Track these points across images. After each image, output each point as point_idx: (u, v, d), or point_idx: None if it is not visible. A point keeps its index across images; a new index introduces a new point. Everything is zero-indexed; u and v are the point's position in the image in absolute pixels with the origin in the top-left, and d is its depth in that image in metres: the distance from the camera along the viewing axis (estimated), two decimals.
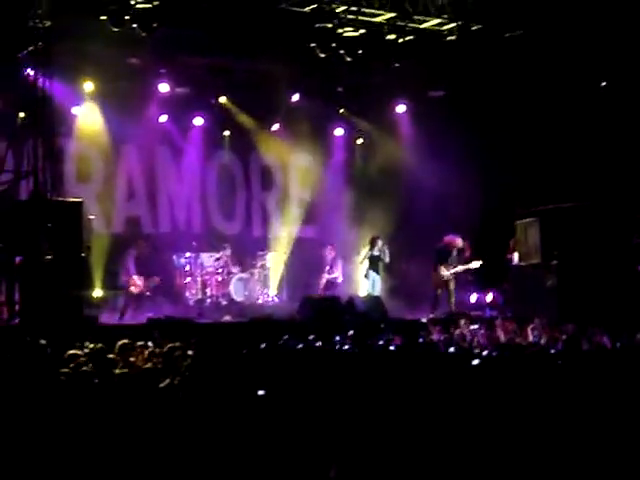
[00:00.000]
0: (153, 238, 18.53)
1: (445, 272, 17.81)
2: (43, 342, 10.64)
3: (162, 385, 8.06)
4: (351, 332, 13.63)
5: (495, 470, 5.72)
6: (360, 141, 21.27)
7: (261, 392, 7.44)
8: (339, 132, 20.77)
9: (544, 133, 17.89)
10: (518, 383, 8.27)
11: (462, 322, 13.82)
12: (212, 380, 8.17)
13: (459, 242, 17.88)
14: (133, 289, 16.87)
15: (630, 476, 5.67)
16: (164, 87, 17.76)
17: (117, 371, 8.75)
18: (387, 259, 18.43)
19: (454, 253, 17.98)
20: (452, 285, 17.95)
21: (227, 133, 19.81)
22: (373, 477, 5.55)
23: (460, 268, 17.93)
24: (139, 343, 10.79)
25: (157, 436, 6.59)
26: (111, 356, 9.56)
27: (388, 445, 5.89)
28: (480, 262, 18.13)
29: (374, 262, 18.40)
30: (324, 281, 18.94)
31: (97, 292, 17.15)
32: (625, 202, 17.28)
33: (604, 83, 17.13)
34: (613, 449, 6.11)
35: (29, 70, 15.34)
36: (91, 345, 10.40)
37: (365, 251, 18.63)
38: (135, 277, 16.91)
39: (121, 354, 9.85)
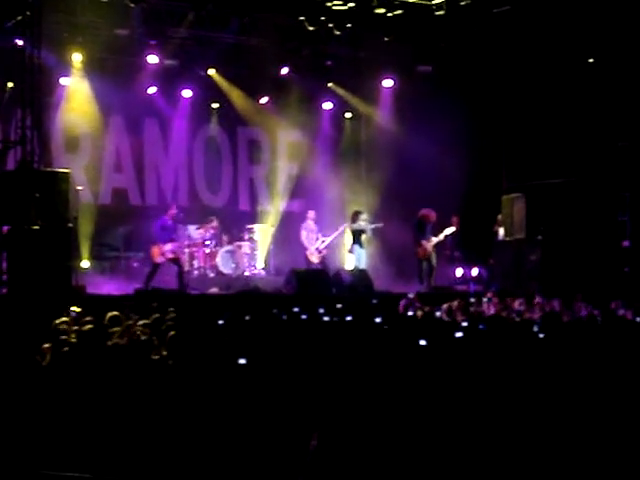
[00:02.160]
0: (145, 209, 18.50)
1: (428, 245, 17.96)
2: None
3: (155, 357, 8.12)
4: (339, 305, 13.76)
5: (475, 436, 5.83)
6: (349, 115, 21.28)
7: (242, 361, 7.51)
8: (328, 106, 20.76)
9: (531, 109, 17.95)
10: (502, 355, 8.40)
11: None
12: (196, 351, 8.25)
13: (433, 215, 18.02)
14: (159, 259, 16.72)
15: (612, 444, 5.80)
16: (153, 59, 17.72)
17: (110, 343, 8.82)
18: (369, 232, 18.44)
19: (429, 226, 18.13)
20: (434, 259, 18.08)
21: (215, 106, 19.80)
22: (355, 447, 5.64)
23: (439, 238, 18.09)
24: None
25: (145, 406, 6.68)
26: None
27: (370, 415, 5.98)
28: (453, 228, 18.29)
29: (358, 236, 18.43)
30: (320, 251, 18.88)
31: (84, 263, 17.17)
32: (611, 179, 17.40)
33: (591, 60, 17.16)
34: (597, 421, 6.23)
35: (17, 40, 15.29)
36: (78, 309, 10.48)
37: (349, 225, 18.65)
38: (162, 245, 16.72)
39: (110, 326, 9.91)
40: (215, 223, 18.65)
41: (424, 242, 18.03)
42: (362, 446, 5.30)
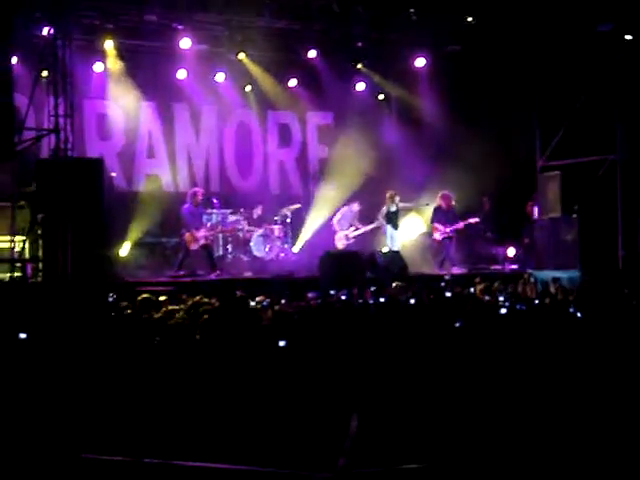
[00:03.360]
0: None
1: (437, 233, 17.97)
2: None
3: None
4: (373, 288, 13.71)
5: (511, 422, 5.78)
6: (381, 97, 21.13)
7: (282, 343, 7.51)
8: (360, 87, 20.62)
9: (566, 85, 17.72)
10: (542, 335, 8.31)
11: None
12: (232, 333, 8.25)
13: (447, 201, 18.02)
14: (193, 246, 16.80)
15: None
16: (186, 43, 17.65)
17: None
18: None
19: (443, 212, 18.10)
20: (447, 245, 18.08)
21: (248, 89, 19.74)
22: (394, 429, 5.61)
23: (455, 226, 18.05)
24: (161, 298, 10.91)
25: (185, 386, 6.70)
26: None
27: (409, 396, 5.95)
28: (477, 219, 18.26)
29: (392, 218, 18.42)
30: (348, 238, 18.93)
31: (123, 250, 17.26)
32: None
33: (629, 36, 16.92)
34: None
35: (47, 28, 15.36)
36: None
37: (384, 207, 18.63)
38: (194, 231, 16.77)
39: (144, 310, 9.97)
40: (248, 208, 18.69)
41: (437, 226, 18.06)
42: (401, 428, 5.28)
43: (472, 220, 18.30)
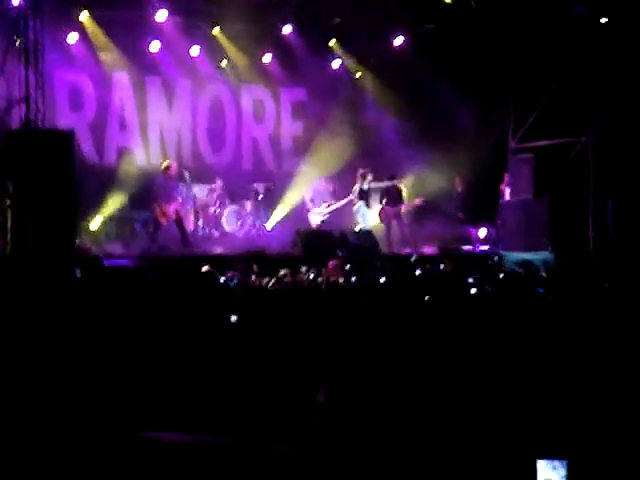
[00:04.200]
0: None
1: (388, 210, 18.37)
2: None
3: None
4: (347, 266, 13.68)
5: (482, 393, 5.78)
6: (358, 74, 21.04)
7: (234, 318, 7.47)
8: (336, 64, 20.52)
9: (539, 66, 17.74)
10: (510, 314, 8.34)
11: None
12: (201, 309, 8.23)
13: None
14: (164, 220, 16.67)
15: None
16: (162, 15, 17.45)
17: None
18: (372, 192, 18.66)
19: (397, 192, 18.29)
20: (396, 222, 18.31)
21: (223, 64, 19.58)
22: (363, 402, 5.61)
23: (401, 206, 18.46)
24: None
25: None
26: None
27: (378, 369, 5.95)
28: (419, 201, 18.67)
29: (364, 196, 18.42)
30: (322, 214, 18.93)
31: (93, 224, 17.13)
32: (620, 139, 17.25)
33: (604, 19, 16.94)
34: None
35: None
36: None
37: (356, 185, 18.62)
38: (165, 205, 16.65)
39: None
40: (220, 183, 18.62)
41: (386, 207, 18.23)
42: (371, 401, 5.28)
43: (417, 202, 18.41)
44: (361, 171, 18.43)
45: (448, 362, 6.58)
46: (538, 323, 7.98)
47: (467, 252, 18.09)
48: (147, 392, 6.33)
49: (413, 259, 15.29)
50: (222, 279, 11.29)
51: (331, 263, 12.86)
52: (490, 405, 5.85)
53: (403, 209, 18.67)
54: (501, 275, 12.34)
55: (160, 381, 6.47)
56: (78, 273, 11.70)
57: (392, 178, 18.59)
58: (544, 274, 12.45)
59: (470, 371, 6.40)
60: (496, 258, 16.53)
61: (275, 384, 5.79)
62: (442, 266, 13.42)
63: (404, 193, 18.88)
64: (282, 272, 12.14)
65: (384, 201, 18.52)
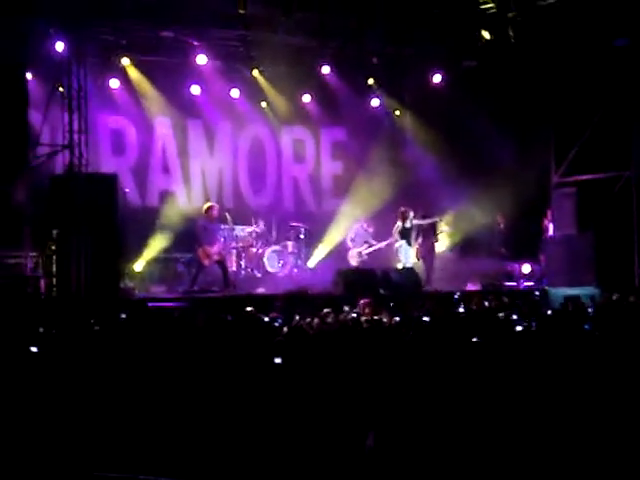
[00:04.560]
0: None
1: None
2: None
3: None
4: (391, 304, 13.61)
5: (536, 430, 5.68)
6: (397, 113, 21.07)
7: (278, 360, 7.41)
8: (375, 103, 20.57)
9: (582, 100, 17.63)
10: (556, 352, 8.21)
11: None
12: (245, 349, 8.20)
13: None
14: (207, 262, 16.75)
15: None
16: (202, 59, 17.65)
17: None
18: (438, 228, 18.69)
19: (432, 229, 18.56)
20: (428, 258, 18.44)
21: (262, 105, 19.72)
22: (412, 445, 5.53)
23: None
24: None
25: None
26: None
27: (426, 413, 5.87)
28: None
29: (406, 234, 18.34)
30: (361, 255, 18.93)
31: (137, 266, 17.24)
32: None
33: None
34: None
35: (61, 44, 15.42)
36: None
37: (398, 224, 18.55)
38: (208, 247, 16.68)
39: None
40: (262, 224, 18.68)
41: (422, 245, 18.41)
42: (419, 444, 5.20)
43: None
44: (402, 209, 18.35)
45: (496, 402, 6.49)
46: (585, 360, 7.86)
47: (511, 288, 17.92)
48: (194, 435, 6.31)
49: (456, 297, 15.16)
50: (265, 319, 11.28)
51: (362, 302, 12.79)
52: (539, 442, 5.75)
53: (435, 245, 18.65)
54: (548, 312, 12.16)
55: (206, 424, 6.45)
56: (123, 316, 11.75)
57: (424, 217, 18.51)
58: (591, 309, 12.28)
59: (518, 411, 6.30)
60: (538, 293, 16.36)
61: (326, 426, 5.72)
62: (487, 303, 13.28)
63: (439, 230, 18.82)
64: (325, 311, 12.11)
65: (420, 239, 18.48)
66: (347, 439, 5.28)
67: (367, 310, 12.42)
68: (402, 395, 6.41)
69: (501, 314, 11.70)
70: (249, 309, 12.05)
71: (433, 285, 17.60)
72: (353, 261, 18.91)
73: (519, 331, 9.79)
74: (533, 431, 6.03)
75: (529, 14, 17.15)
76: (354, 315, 12.16)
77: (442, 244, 19.39)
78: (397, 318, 11.48)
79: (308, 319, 11.27)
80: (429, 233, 18.66)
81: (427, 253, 18.55)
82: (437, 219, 18.74)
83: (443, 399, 6.43)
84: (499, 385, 6.93)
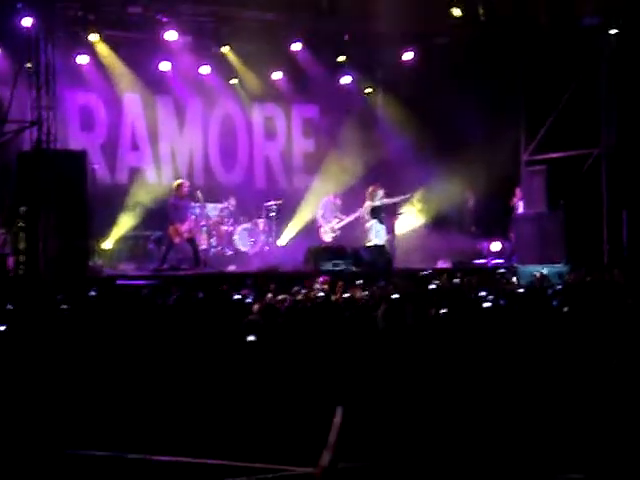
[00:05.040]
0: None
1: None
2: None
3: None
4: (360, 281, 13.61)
5: (497, 409, 5.73)
6: (369, 90, 21.01)
7: (251, 338, 7.41)
8: (346, 80, 20.50)
9: (550, 78, 17.69)
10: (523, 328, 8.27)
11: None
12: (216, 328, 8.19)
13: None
14: (177, 239, 16.65)
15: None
16: (172, 35, 17.47)
17: None
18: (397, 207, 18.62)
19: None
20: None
21: (233, 82, 19.59)
22: (381, 421, 5.55)
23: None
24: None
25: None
26: None
27: (395, 388, 5.89)
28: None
29: (376, 212, 18.35)
30: (334, 230, 18.91)
31: (106, 244, 17.13)
32: (633, 150, 17.18)
33: (614, 31, 16.89)
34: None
35: (29, 19, 15.22)
36: None
37: (367, 203, 18.55)
38: (178, 225, 16.60)
39: None
40: (233, 201, 18.61)
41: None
42: (389, 420, 5.22)
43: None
44: (370, 188, 18.34)
45: (463, 376, 6.53)
46: (552, 336, 7.93)
47: (480, 266, 18.01)
48: (163, 411, 6.30)
49: (423, 274, 15.20)
50: (236, 296, 11.27)
51: (321, 279, 12.78)
52: (502, 418, 5.79)
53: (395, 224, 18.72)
54: (519, 290, 12.25)
55: (176, 400, 6.43)
56: (93, 293, 11.68)
57: (388, 196, 18.49)
58: (559, 287, 12.38)
59: (483, 385, 6.35)
60: (506, 270, 16.46)
61: (293, 402, 5.73)
62: (457, 280, 13.35)
63: (400, 210, 18.86)
64: (295, 289, 12.13)
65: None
66: (316, 414, 5.29)
67: (325, 287, 12.44)
68: (372, 371, 6.43)
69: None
70: (223, 287, 12.04)
71: (400, 263, 17.63)
72: (326, 237, 18.88)
73: (487, 307, 9.86)
74: (497, 405, 6.07)
75: None
76: (322, 293, 12.20)
77: (408, 222, 19.43)
78: (366, 292, 11.53)
79: (279, 296, 11.28)
80: (391, 212, 18.64)
81: (389, 232, 18.55)
82: (400, 198, 18.71)
83: (412, 375, 6.46)
84: (466, 360, 6.97)
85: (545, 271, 15.12)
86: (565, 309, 9.71)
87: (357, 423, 4.85)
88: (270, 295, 11.53)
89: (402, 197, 18.74)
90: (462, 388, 6.14)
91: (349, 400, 5.11)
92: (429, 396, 5.90)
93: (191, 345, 7.63)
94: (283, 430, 5.53)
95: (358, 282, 13.15)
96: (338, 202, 19.22)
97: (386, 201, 18.29)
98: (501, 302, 10.61)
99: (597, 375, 6.68)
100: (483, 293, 11.40)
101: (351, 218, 18.84)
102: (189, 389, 6.63)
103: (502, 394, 6.10)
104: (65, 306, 10.03)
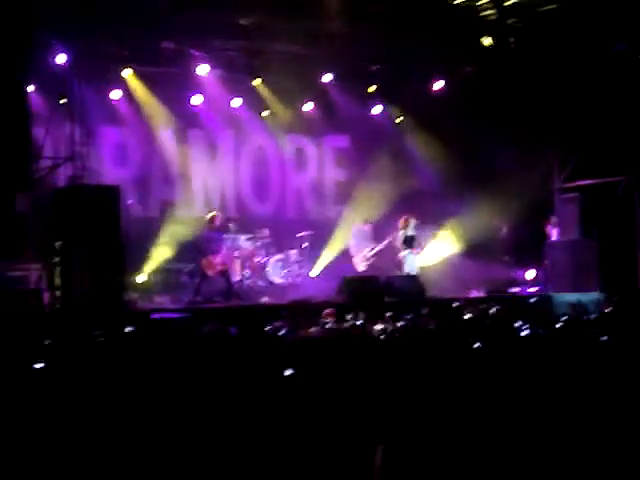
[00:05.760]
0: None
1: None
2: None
3: None
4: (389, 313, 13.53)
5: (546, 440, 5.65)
6: (399, 120, 21.06)
7: (289, 372, 7.35)
8: (376, 110, 20.56)
9: (585, 106, 17.63)
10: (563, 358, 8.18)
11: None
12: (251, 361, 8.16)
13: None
14: (210, 272, 16.72)
15: None
16: (203, 69, 17.63)
17: None
18: (421, 240, 18.46)
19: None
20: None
21: (264, 114, 19.72)
22: (421, 462, 5.49)
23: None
24: None
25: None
26: None
27: (436, 428, 5.82)
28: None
29: (409, 242, 18.34)
30: (367, 259, 18.90)
31: (140, 277, 17.21)
32: None
33: None
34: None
35: (62, 55, 15.43)
36: None
37: (400, 232, 18.54)
38: (211, 257, 16.64)
39: None
40: (265, 232, 18.66)
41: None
42: (429, 461, 5.15)
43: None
44: (404, 217, 18.34)
45: (504, 410, 6.46)
46: (595, 366, 7.83)
47: (515, 294, 17.90)
48: (200, 447, 6.28)
49: (455, 305, 15.11)
50: (268, 328, 11.24)
51: (326, 311, 12.70)
52: (547, 450, 5.72)
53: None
54: (555, 319, 12.13)
55: (211, 437, 6.42)
56: (129, 329, 11.71)
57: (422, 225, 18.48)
58: (594, 315, 12.26)
59: (525, 418, 6.28)
60: (539, 299, 16.34)
61: (332, 441, 5.67)
62: (492, 310, 13.23)
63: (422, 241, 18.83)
64: (325, 312, 12.12)
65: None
66: (356, 454, 5.24)
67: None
68: (409, 407, 6.37)
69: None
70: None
71: (434, 292, 17.56)
72: (360, 266, 18.87)
73: (524, 336, 9.76)
74: (540, 439, 6.00)
75: (529, 20, 17.16)
76: (357, 323, 12.15)
77: (441, 251, 19.37)
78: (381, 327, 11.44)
79: (311, 329, 11.28)
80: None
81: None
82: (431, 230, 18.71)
83: (449, 410, 6.40)
84: (506, 393, 6.90)
85: (581, 299, 14.99)
86: (604, 338, 9.62)
87: (398, 462, 4.81)
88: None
89: (434, 227, 18.73)
90: (506, 425, 6.08)
91: (389, 440, 5.07)
92: (471, 432, 5.84)
93: (226, 380, 7.62)
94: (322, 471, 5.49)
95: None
96: (369, 230, 19.23)
97: (413, 232, 18.25)
98: (539, 331, 10.52)
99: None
100: (519, 323, 11.30)
101: (382, 246, 18.84)
102: (223, 424, 6.60)
103: (547, 429, 6.03)
104: (102, 339, 10.05)
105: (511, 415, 6.19)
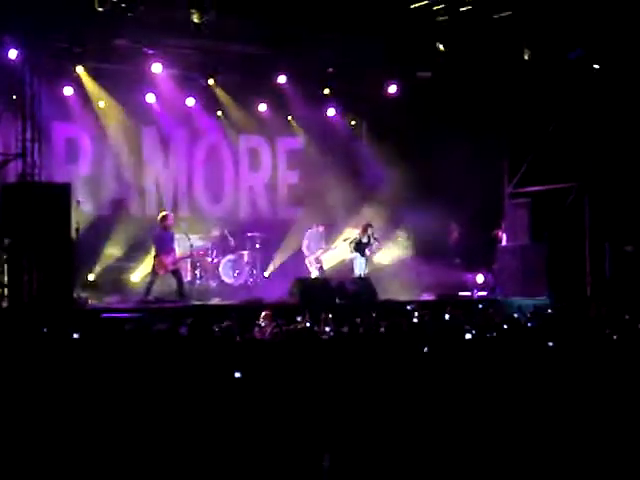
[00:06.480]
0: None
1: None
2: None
3: None
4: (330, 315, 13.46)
5: (489, 445, 5.71)
6: (353, 122, 21.13)
7: (238, 374, 7.36)
8: (331, 112, 20.62)
9: (535, 113, 17.84)
10: (509, 362, 8.29)
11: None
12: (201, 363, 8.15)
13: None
14: (161, 271, 16.60)
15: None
16: (157, 67, 17.54)
17: None
18: (374, 249, 18.52)
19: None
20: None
21: (218, 114, 19.67)
22: (369, 466, 5.51)
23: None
24: None
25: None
26: None
27: (383, 432, 5.85)
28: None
29: (361, 247, 18.39)
30: (319, 261, 18.94)
31: (90, 276, 17.08)
32: (615, 183, 17.31)
33: (596, 66, 17.08)
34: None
35: (14, 51, 15.26)
36: None
37: (355, 234, 18.58)
38: (163, 257, 16.56)
39: None
40: (217, 232, 18.60)
41: None
42: (377, 465, 5.18)
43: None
44: (366, 223, 18.39)
45: (452, 413, 6.52)
46: (537, 370, 7.94)
47: (465, 298, 18.04)
48: (149, 450, 6.26)
49: (410, 307, 15.21)
50: (216, 329, 11.22)
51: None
52: (492, 455, 5.79)
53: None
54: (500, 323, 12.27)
55: (161, 438, 6.39)
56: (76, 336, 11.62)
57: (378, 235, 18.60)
58: (541, 320, 12.42)
59: (473, 420, 6.34)
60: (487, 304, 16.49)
61: (280, 448, 5.67)
62: (446, 315, 13.32)
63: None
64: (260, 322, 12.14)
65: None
66: (304, 460, 5.24)
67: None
68: (356, 411, 6.40)
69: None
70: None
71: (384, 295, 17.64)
72: (313, 268, 18.90)
73: (470, 339, 9.87)
74: (481, 440, 6.07)
75: (483, 26, 17.29)
76: (307, 324, 12.18)
77: (392, 254, 19.48)
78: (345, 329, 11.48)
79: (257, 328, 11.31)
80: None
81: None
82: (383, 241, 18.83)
83: (396, 413, 6.44)
84: (451, 395, 6.97)
85: (527, 304, 15.18)
86: (550, 344, 9.74)
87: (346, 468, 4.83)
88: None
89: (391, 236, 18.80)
90: (450, 427, 6.14)
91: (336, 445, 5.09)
92: (416, 436, 5.89)
93: (176, 379, 7.59)
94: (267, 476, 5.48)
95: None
96: (320, 229, 19.24)
97: (369, 240, 18.31)
98: (486, 335, 10.63)
99: (580, 408, 6.70)
100: (468, 327, 11.41)
101: (334, 246, 18.89)
102: (173, 424, 6.58)
103: (490, 431, 6.11)
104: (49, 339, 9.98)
105: (455, 417, 6.25)
